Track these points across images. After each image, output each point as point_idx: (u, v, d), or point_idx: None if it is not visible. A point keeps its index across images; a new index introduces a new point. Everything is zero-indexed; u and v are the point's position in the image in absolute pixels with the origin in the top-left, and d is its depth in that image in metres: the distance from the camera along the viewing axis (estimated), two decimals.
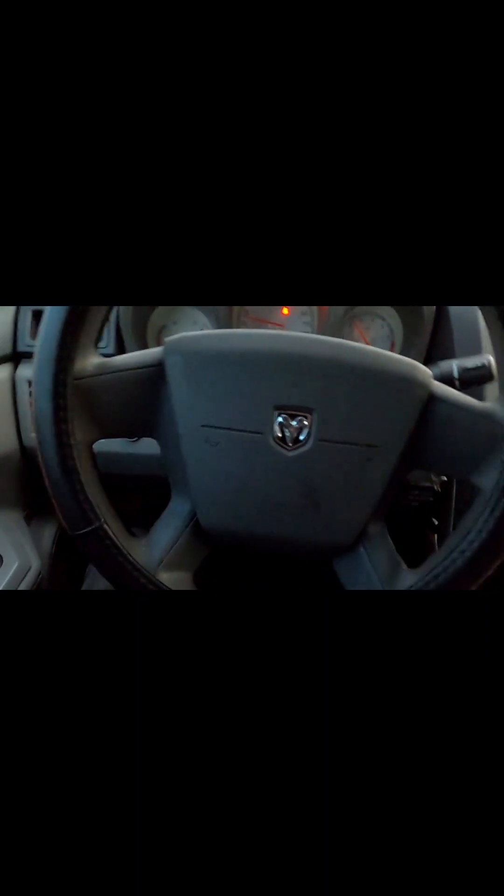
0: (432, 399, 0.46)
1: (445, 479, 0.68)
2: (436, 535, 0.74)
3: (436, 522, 0.72)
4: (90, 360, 0.46)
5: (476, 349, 0.65)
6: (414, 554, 0.63)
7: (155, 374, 0.47)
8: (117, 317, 0.74)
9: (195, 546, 0.50)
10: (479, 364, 0.57)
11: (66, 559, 0.84)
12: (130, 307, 0.72)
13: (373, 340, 0.79)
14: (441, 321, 0.72)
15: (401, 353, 0.77)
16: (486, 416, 0.45)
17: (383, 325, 0.79)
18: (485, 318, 0.46)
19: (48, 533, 0.83)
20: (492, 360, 0.55)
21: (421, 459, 0.48)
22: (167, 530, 0.50)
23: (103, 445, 0.72)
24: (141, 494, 0.69)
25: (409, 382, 0.45)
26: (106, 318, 0.47)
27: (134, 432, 0.49)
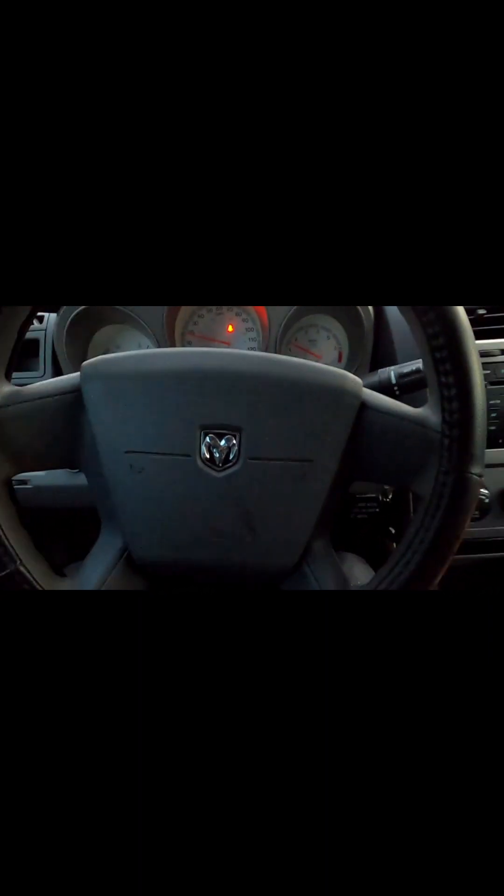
0: (364, 408, 0.44)
1: (391, 489, 0.67)
2: (394, 544, 0.72)
3: (392, 531, 0.70)
4: (0, 390, 0.44)
5: (415, 354, 0.64)
6: (375, 564, 0.61)
7: (72, 401, 0.44)
8: (52, 343, 0.72)
9: (129, 581, 0.48)
10: (415, 368, 0.56)
11: None
12: (64, 333, 0.70)
13: (321, 351, 0.79)
14: (381, 329, 0.72)
15: (348, 363, 0.77)
16: (418, 423, 0.44)
17: (329, 337, 0.79)
18: (406, 320, 0.45)
19: None
20: None
21: (359, 471, 0.46)
22: (96, 566, 0.47)
23: (46, 479, 0.70)
24: (89, 527, 0.67)
25: (338, 393, 0.44)
26: (15, 348, 0.45)
27: (53, 464, 0.47)
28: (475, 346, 0.42)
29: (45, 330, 0.72)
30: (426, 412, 0.44)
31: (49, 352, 0.72)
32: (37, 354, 0.72)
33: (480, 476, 0.43)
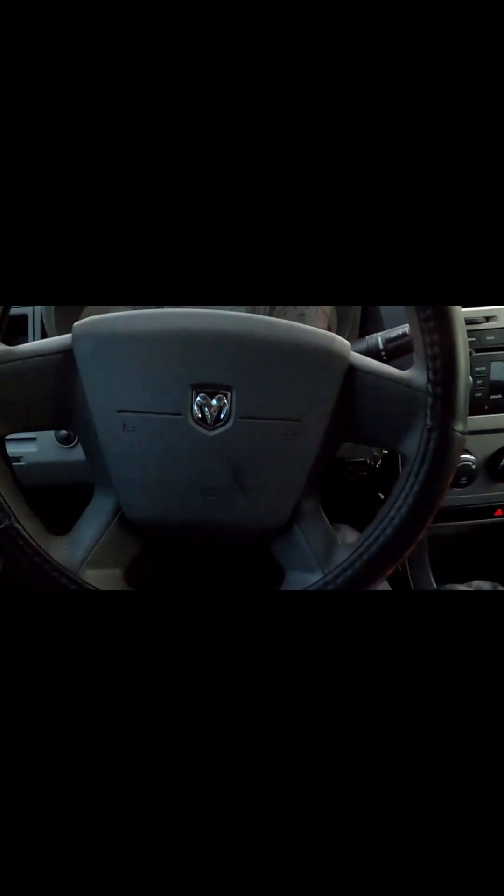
0: (352, 369, 0.45)
1: (386, 452, 0.68)
2: None
3: (382, 497, 0.71)
4: None
5: (402, 319, 0.65)
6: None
7: (64, 361, 0.45)
8: (41, 316, 0.72)
9: (124, 541, 0.49)
10: (401, 333, 0.57)
11: None
12: (53, 310, 0.70)
13: (312, 324, 0.79)
14: None
15: (338, 332, 0.78)
16: (404, 384, 0.45)
17: (318, 309, 0.79)
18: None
19: None
20: None
21: (347, 432, 0.47)
22: (90, 525, 0.48)
23: (38, 455, 0.70)
24: (82, 504, 0.67)
25: (327, 354, 0.45)
26: (6, 311, 0.45)
27: (46, 424, 0.47)
28: (458, 308, 0.43)
29: (34, 307, 0.72)
30: (412, 373, 0.45)
31: (38, 328, 0.72)
32: (26, 331, 0.72)
33: (463, 433, 0.44)
